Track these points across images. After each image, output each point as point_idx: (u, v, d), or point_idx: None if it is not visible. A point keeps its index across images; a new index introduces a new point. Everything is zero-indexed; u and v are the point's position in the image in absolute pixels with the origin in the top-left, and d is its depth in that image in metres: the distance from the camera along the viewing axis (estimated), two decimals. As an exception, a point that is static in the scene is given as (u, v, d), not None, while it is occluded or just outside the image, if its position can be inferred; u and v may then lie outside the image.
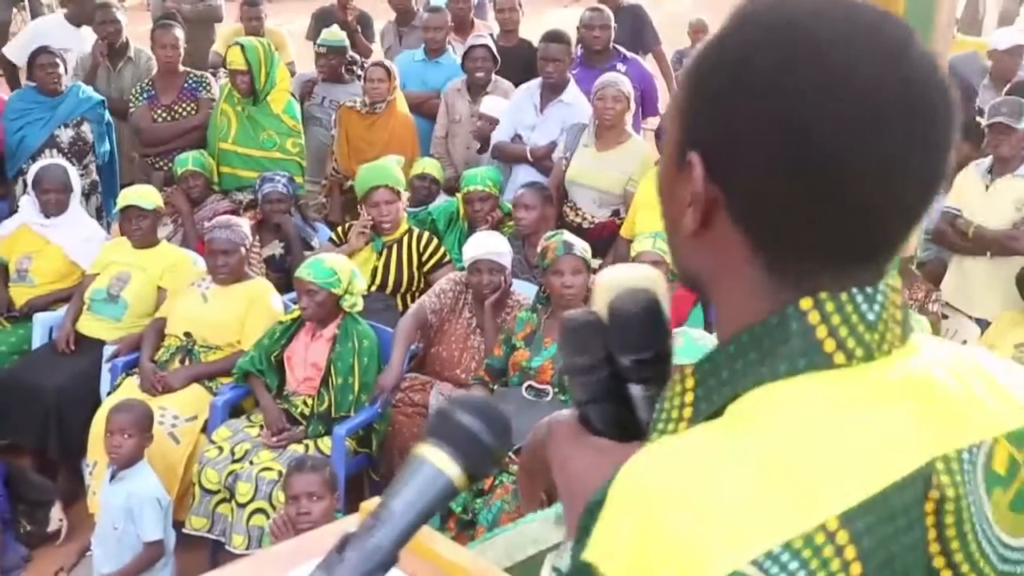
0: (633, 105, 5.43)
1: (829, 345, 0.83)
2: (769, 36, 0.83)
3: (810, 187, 0.81)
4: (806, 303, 0.83)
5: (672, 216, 0.90)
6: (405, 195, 5.13)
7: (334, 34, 6.45)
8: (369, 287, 4.69)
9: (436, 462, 0.85)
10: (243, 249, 4.56)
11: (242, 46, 5.70)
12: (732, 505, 0.75)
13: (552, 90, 5.65)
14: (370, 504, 0.92)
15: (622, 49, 6.22)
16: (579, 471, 0.97)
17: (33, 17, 9.58)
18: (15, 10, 9.76)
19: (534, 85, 5.71)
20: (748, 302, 0.86)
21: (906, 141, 0.81)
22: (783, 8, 0.84)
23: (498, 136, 5.67)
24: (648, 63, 6.88)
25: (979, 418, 0.86)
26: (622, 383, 0.98)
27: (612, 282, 1.00)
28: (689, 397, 0.86)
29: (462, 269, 4.59)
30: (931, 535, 0.81)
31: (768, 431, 0.79)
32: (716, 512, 0.74)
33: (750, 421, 0.80)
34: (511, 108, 5.73)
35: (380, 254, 4.91)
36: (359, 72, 6.45)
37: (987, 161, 5.11)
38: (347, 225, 5.19)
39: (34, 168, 5.16)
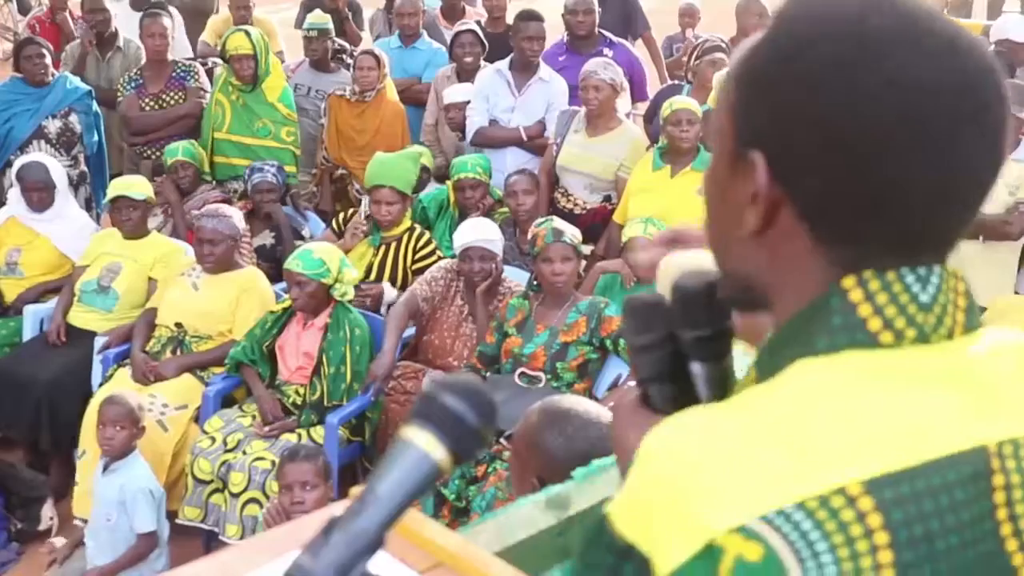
0: (624, 89, 5.43)
1: (874, 324, 0.83)
2: (828, 31, 0.82)
3: (876, 181, 0.82)
4: (848, 281, 0.84)
5: (725, 217, 0.90)
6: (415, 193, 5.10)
7: (319, 16, 6.45)
8: (363, 280, 4.69)
9: (421, 444, 0.85)
10: (232, 240, 4.53)
11: (246, 31, 5.70)
12: (743, 462, 0.75)
13: (526, 70, 5.65)
14: (358, 489, 0.92)
15: (608, 34, 6.21)
16: (635, 448, 0.97)
17: (21, 9, 9.52)
18: (2, 1, 9.71)
19: (503, 67, 5.70)
20: (806, 292, 0.86)
21: (966, 132, 0.82)
22: (836, 4, 0.84)
23: (475, 123, 5.65)
24: (638, 49, 6.87)
25: None
26: (684, 361, 1.01)
27: (676, 266, 1.05)
28: (751, 377, 0.88)
29: (453, 257, 4.58)
30: (1001, 515, 0.80)
31: (793, 397, 0.80)
32: (725, 468, 0.75)
33: (777, 389, 0.82)
34: (481, 93, 5.69)
35: (377, 250, 4.89)
36: (348, 60, 6.44)
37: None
38: (349, 212, 5.18)
39: (17, 163, 5.14)
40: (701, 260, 1.03)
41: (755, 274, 0.90)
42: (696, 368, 1.01)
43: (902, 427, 0.79)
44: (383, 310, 4.68)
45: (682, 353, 1.02)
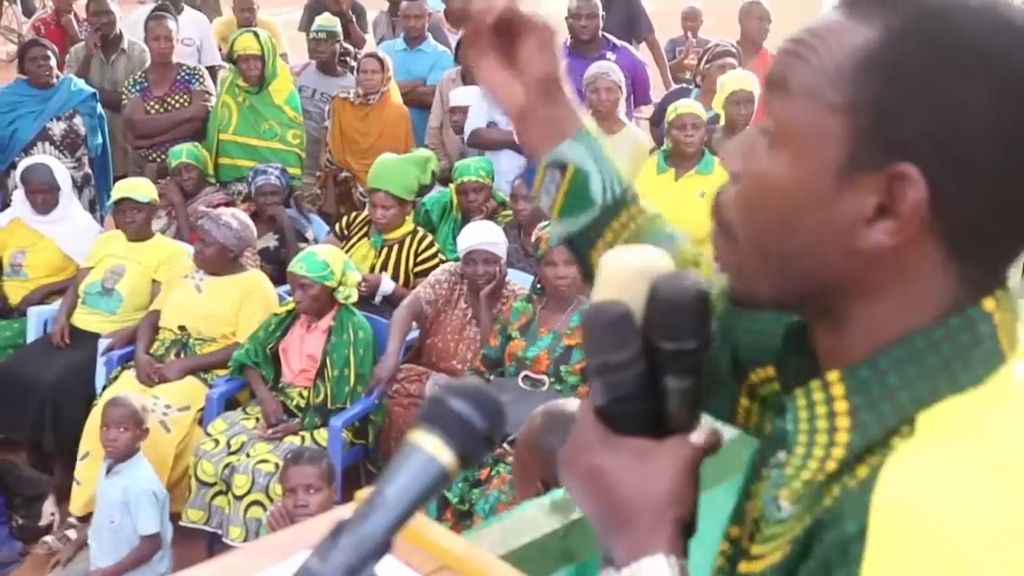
0: (624, 93, 5.44)
1: (1004, 342, 0.81)
2: (1015, 40, 0.78)
3: None
4: (990, 304, 0.80)
5: (819, 227, 0.81)
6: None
7: (328, 19, 6.45)
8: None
9: (429, 448, 0.85)
10: (223, 248, 4.47)
11: (255, 32, 5.72)
12: (1013, 530, 0.72)
13: None
14: (365, 492, 0.92)
15: (612, 38, 6.22)
16: (621, 480, 0.88)
17: (25, 11, 9.54)
18: (7, 3, 9.72)
19: None
20: (920, 313, 0.80)
21: None
22: (1003, 9, 0.80)
23: (472, 123, 5.66)
24: (641, 52, 6.88)
25: None
26: (657, 376, 0.91)
27: (624, 266, 0.94)
28: (841, 406, 0.81)
29: (456, 260, 4.59)
30: None
31: (1015, 444, 0.76)
32: (1012, 535, 0.71)
33: (993, 431, 0.76)
34: (483, 95, 5.72)
35: (379, 251, 4.89)
36: (352, 63, 6.45)
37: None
38: (352, 215, 5.19)
39: (21, 165, 5.15)
40: (650, 256, 0.94)
41: (840, 286, 0.82)
42: (672, 383, 0.91)
43: None
44: (377, 299, 4.70)
45: (655, 368, 0.92)
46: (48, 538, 4.21)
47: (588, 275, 1.16)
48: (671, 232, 1.16)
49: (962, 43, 0.77)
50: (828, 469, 0.80)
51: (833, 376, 0.82)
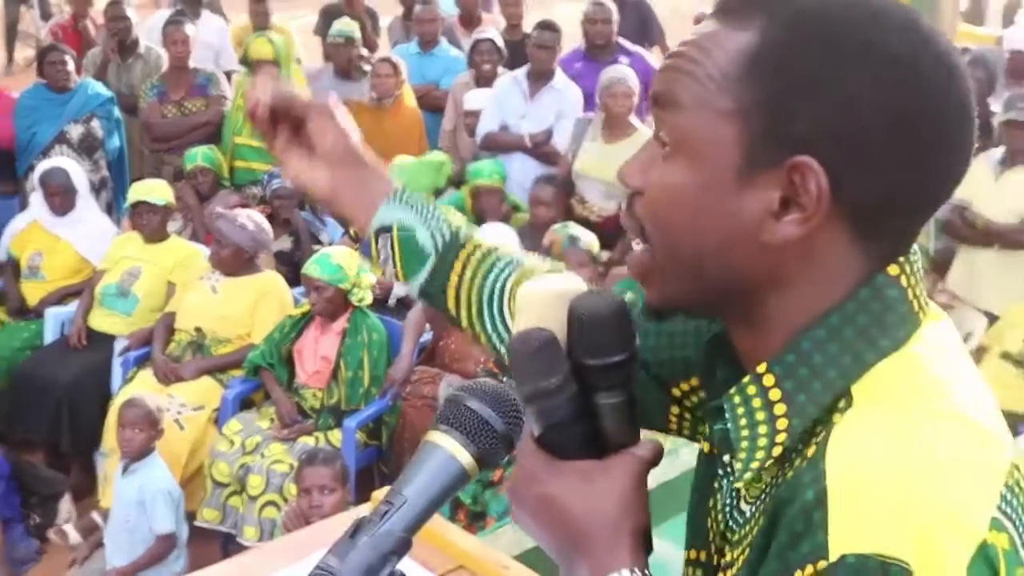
0: (638, 98, 5.46)
1: (915, 304, 0.84)
2: (891, 27, 0.81)
3: (923, 169, 0.82)
4: (894, 270, 0.84)
5: (726, 229, 0.83)
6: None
7: (347, 23, 6.45)
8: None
9: (448, 448, 0.85)
10: (238, 248, 4.50)
11: (269, 38, 5.75)
12: (966, 466, 0.77)
13: (540, 77, 5.69)
14: (382, 492, 0.93)
15: (625, 43, 6.24)
16: (571, 504, 0.88)
17: (43, 15, 9.59)
18: (24, 8, 9.77)
19: (520, 75, 5.76)
20: (827, 289, 0.83)
21: (969, 107, 0.84)
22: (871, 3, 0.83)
23: (485, 127, 5.69)
24: (653, 57, 6.88)
25: None
26: (589, 396, 0.91)
27: (541, 293, 0.93)
28: (775, 395, 0.83)
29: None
30: None
31: (945, 394, 0.80)
32: (959, 475, 0.76)
33: (923, 390, 0.81)
34: (495, 99, 5.75)
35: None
36: (366, 68, 6.48)
37: (998, 152, 5.10)
38: None
39: (40, 168, 5.19)
40: (568, 282, 0.94)
41: (752, 282, 0.85)
42: (604, 400, 0.90)
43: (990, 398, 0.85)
44: (392, 301, 4.71)
45: (584, 387, 0.91)
46: (67, 527, 4.24)
47: (453, 320, 1.20)
48: (514, 257, 1.20)
49: (841, 34, 0.80)
50: (775, 454, 0.82)
51: (761, 368, 0.84)
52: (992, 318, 4.88)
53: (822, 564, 0.73)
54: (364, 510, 1.47)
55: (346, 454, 3.99)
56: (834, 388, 0.81)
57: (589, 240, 4.20)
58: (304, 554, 1.36)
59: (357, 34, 6.43)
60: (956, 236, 5.21)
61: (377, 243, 1.18)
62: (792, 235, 0.81)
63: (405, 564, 0.87)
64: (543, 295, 0.93)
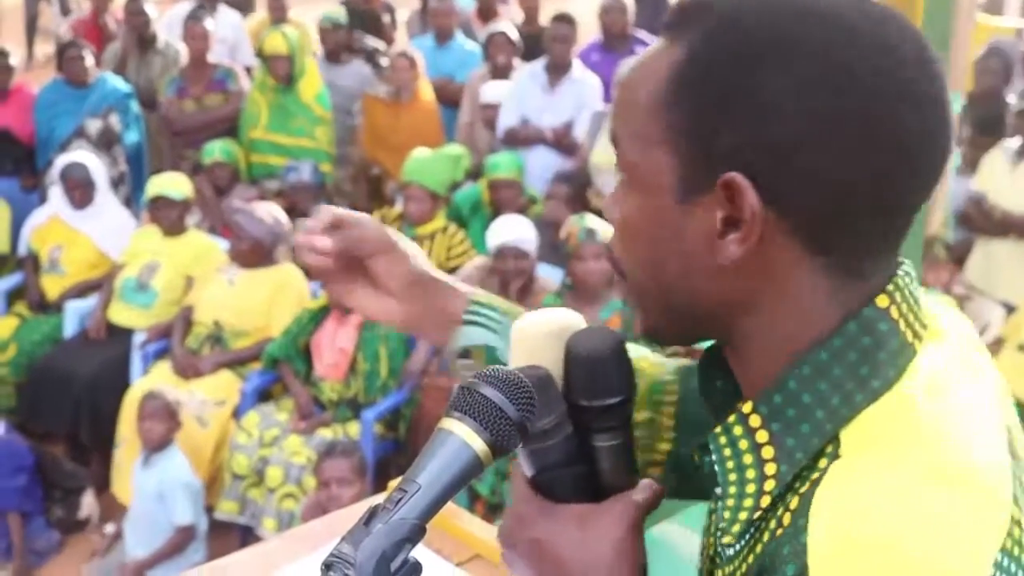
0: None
1: (908, 334, 0.79)
2: (814, 32, 0.76)
3: (870, 172, 0.76)
4: (883, 301, 0.79)
5: (679, 254, 0.81)
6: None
7: (336, 10, 6.65)
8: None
9: (461, 435, 0.84)
10: (255, 241, 4.52)
11: (284, 32, 5.77)
12: (956, 536, 0.71)
13: (559, 70, 5.69)
14: (397, 481, 0.93)
15: (642, 34, 6.24)
16: (565, 550, 0.86)
17: (62, 11, 9.64)
18: (44, 3, 9.83)
19: (538, 68, 5.75)
20: (806, 318, 0.79)
21: (943, 118, 0.79)
22: (774, 7, 0.78)
23: (505, 121, 5.69)
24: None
25: None
26: (585, 438, 0.89)
27: (536, 330, 0.91)
28: (762, 436, 0.79)
29: (486, 254, 4.61)
30: None
31: (938, 441, 0.75)
32: (948, 547, 0.71)
33: (914, 439, 0.75)
34: (514, 92, 5.75)
35: (409, 248, 4.90)
36: (383, 62, 6.50)
37: (1015, 143, 5.07)
38: (383, 212, 5.23)
39: (59, 162, 5.22)
40: (563, 319, 0.92)
41: (723, 307, 0.82)
42: (601, 441, 0.88)
43: (996, 437, 0.79)
44: None
45: (580, 429, 0.89)
46: (107, 527, 4.28)
47: None
48: None
49: (758, 40, 0.76)
50: (764, 504, 0.79)
51: (747, 407, 0.80)
52: (1010, 309, 4.85)
53: None
54: (380, 499, 1.47)
55: (364, 446, 4.00)
56: (823, 433, 0.77)
57: (606, 232, 4.19)
58: (323, 543, 1.36)
59: (344, 20, 6.51)
60: (973, 227, 5.19)
61: (458, 362, 1.16)
62: (735, 254, 0.78)
63: (422, 553, 0.86)
64: (537, 331, 0.90)
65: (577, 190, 5.15)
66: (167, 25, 6.75)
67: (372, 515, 0.84)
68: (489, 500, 3.75)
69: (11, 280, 5.18)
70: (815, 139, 0.75)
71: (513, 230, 4.46)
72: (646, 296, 0.86)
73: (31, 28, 9.83)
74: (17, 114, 5.80)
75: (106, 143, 5.75)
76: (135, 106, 5.92)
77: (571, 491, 0.89)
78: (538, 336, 0.90)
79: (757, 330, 0.82)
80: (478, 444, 0.85)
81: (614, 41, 6.15)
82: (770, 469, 0.79)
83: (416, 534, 0.84)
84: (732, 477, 0.81)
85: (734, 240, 0.78)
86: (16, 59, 6.06)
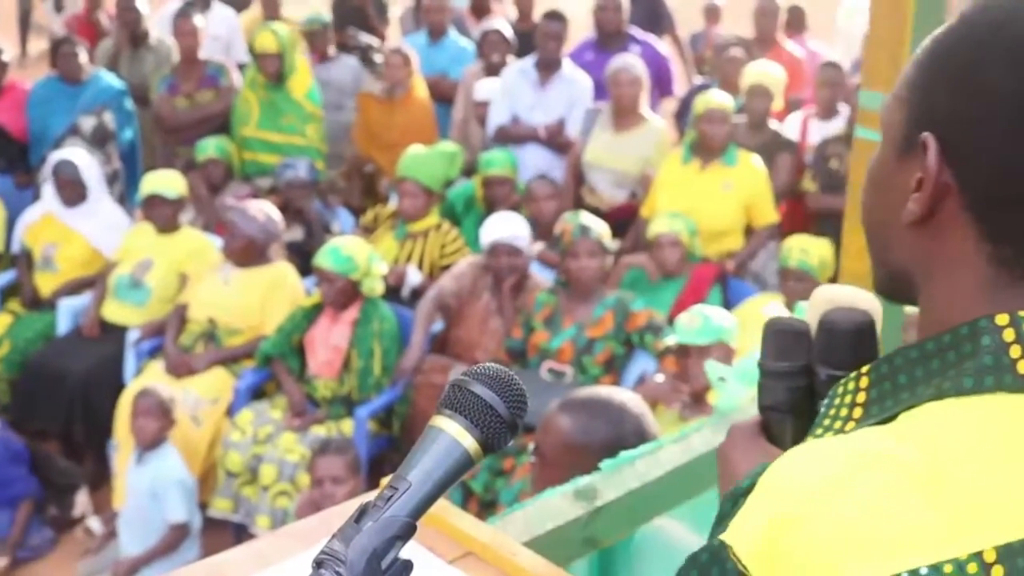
0: (646, 87, 5.45)
1: (1022, 366, 0.77)
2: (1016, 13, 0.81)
3: None
4: (1002, 319, 0.79)
5: (887, 206, 0.87)
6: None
7: (319, 11, 6.66)
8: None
9: (452, 433, 0.85)
10: (249, 240, 4.52)
11: (273, 30, 5.77)
12: (879, 515, 0.71)
13: (549, 67, 5.68)
14: (389, 477, 0.93)
15: (636, 32, 6.24)
16: (742, 472, 0.96)
17: (55, 7, 9.61)
18: (38, 0, 9.80)
19: (527, 65, 5.74)
20: (960, 302, 0.82)
21: None
22: None
23: (496, 119, 5.68)
24: (663, 46, 6.88)
25: None
26: (813, 398, 0.98)
27: (828, 297, 1.01)
28: (861, 397, 0.84)
29: (479, 252, 4.61)
30: None
31: (939, 447, 0.75)
32: (859, 520, 0.71)
33: (922, 434, 0.76)
34: (505, 90, 5.74)
35: (402, 243, 4.91)
36: (377, 58, 6.49)
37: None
38: (377, 209, 5.23)
39: (51, 159, 5.21)
40: (855, 295, 1.00)
41: (913, 268, 0.87)
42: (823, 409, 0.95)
43: None
44: (405, 291, 4.72)
45: (812, 389, 0.98)
46: (91, 520, 4.27)
47: None
48: None
49: (993, 23, 0.82)
50: None
51: (865, 368, 0.85)
52: None
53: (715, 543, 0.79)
54: (373, 494, 1.46)
55: (358, 444, 4.00)
56: (899, 407, 0.80)
57: (600, 229, 4.20)
58: (317, 540, 1.36)
59: (327, 19, 6.55)
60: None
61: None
62: (914, 212, 0.83)
63: (413, 550, 0.86)
64: (828, 297, 1.01)
65: (562, 189, 5.15)
66: (159, 22, 6.74)
67: (363, 513, 0.85)
68: (482, 497, 3.75)
69: (4, 277, 5.17)
70: (1013, 116, 0.79)
71: (507, 227, 4.46)
72: (869, 245, 0.93)
73: (24, 24, 9.81)
74: (10, 111, 5.78)
75: (100, 140, 5.74)
76: (129, 103, 5.90)
77: (780, 435, 1.01)
78: (821, 299, 1.01)
79: (926, 298, 0.86)
80: (469, 442, 0.85)
81: (608, 39, 6.14)
82: (849, 427, 0.84)
83: (407, 531, 0.85)
84: (826, 423, 0.85)
85: (916, 199, 0.83)
86: (9, 55, 6.04)
